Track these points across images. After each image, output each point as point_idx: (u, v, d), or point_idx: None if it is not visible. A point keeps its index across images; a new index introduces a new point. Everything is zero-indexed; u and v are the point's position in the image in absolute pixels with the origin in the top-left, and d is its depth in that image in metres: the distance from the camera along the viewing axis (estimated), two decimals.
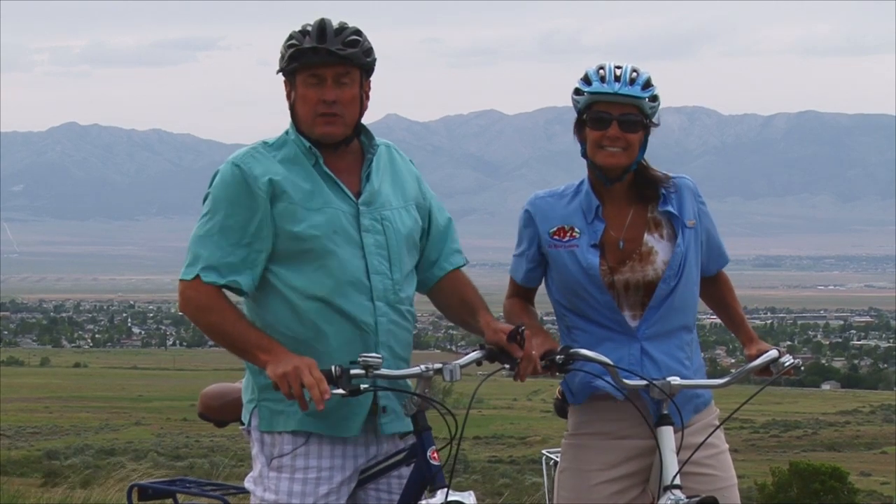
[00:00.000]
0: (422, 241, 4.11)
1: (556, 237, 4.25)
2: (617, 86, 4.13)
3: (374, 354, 3.74)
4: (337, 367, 3.71)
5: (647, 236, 4.24)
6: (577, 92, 4.19)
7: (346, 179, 4.00)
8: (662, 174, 4.31)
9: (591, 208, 4.23)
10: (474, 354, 3.91)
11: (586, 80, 4.18)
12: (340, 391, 3.68)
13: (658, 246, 4.23)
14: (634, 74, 4.16)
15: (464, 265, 4.22)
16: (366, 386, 3.74)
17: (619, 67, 4.17)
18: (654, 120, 4.22)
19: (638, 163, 4.22)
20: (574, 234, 4.23)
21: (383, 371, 3.76)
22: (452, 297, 4.15)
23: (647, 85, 4.16)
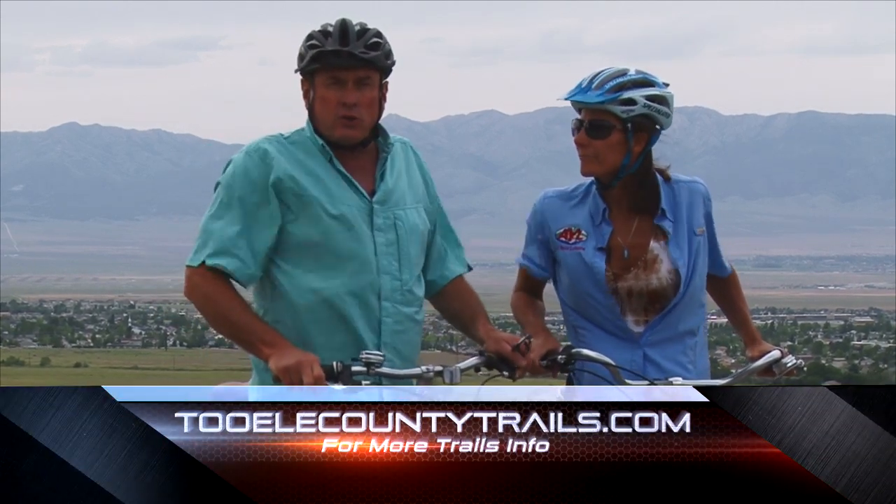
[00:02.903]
0: (428, 244, 4.14)
1: (562, 238, 4.27)
2: (574, 92, 4.19)
3: (376, 352, 3.83)
4: (338, 364, 3.78)
5: (653, 243, 4.25)
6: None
7: (359, 177, 4.04)
8: (664, 179, 4.30)
9: (598, 210, 4.25)
10: (474, 360, 4.00)
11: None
12: (340, 386, 3.74)
13: (664, 254, 4.25)
14: (607, 80, 4.16)
15: (467, 272, 4.25)
16: (367, 382, 3.80)
17: (600, 73, 4.18)
18: (642, 122, 4.19)
19: (636, 169, 4.23)
20: (581, 236, 4.26)
21: (384, 369, 3.83)
22: (453, 301, 4.21)
23: (619, 88, 4.14)
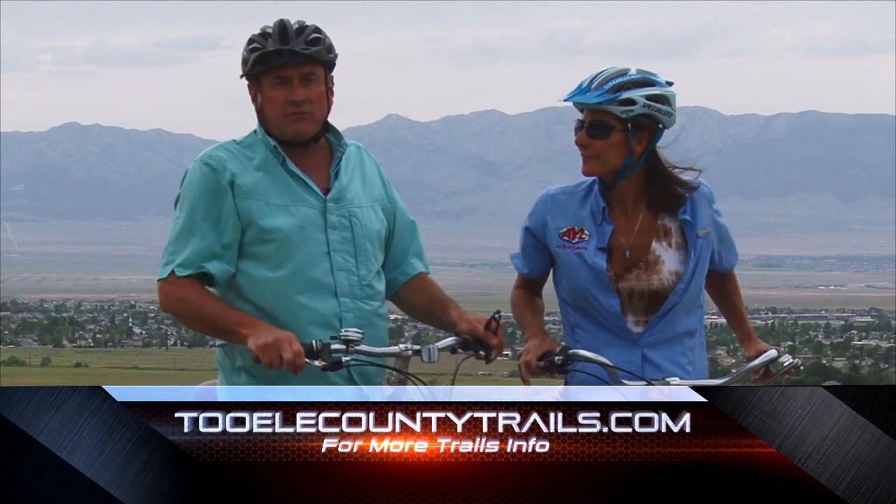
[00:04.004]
0: (386, 243, 4.16)
1: (565, 238, 4.28)
2: (574, 93, 4.20)
3: (355, 329, 3.87)
4: (318, 342, 3.83)
5: (655, 244, 4.25)
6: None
7: (314, 177, 4.09)
8: (683, 180, 4.31)
9: (600, 210, 4.25)
10: (450, 340, 4.03)
11: None
12: (319, 363, 3.79)
13: (665, 255, 4.25)
14: (607, 81, 4.16)
15: (425, 273, 4.27)
16: (346, 359, 3.84)
17: (600, 73, 4.19)
18: (645, 122, 4.19)
19: (639, 167, 4.24)
20: (583, 236, 4.26)
21: (363, 347, 3.87)
22: (420, 294, 4.25)
23: (619, 88, 4.14)
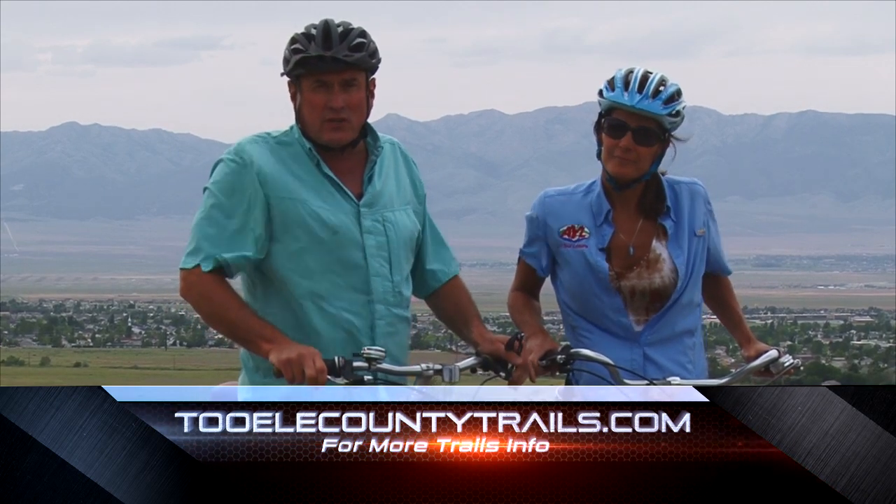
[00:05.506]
0: (417, 245, 4.13)
1: (565, 236, 4.28)
2: (637, 98, 4.12)
3: (377, 348, 3.84)
4: (340, 358, 3.79)
5: (655, 243, 4.27)
6: (600, 93, 4.20)
7: (347, 180, 4.00)
8: (665, 181, 4.32)
9: (602, 212, 4.25)
10: (471, 360, 4.00)
11: (611, 84, 4.18)
12: (341, 380, 3.76)
13: (665, 254, 4.26)
14: (660, 88, 4.14)
15: (457, 274, 4.24)
16: (369, 377, 3.82)
17: (647, 76, 4.15)
18: (677, 135, 4.21)
19: (652, 174, 4.24)
20: (584, 234, 4.26)
21: (385, 365, 3.84)
22: (448, 302, 4.19)
23: (671, 100, 4.14)
